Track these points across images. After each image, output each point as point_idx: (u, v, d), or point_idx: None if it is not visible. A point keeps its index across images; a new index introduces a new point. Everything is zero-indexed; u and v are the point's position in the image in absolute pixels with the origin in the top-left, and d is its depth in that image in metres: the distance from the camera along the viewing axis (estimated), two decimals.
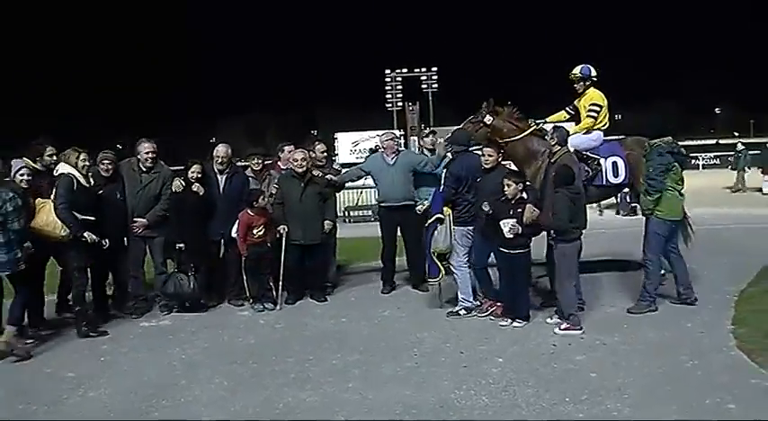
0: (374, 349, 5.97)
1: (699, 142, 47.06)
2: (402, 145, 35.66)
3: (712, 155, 41.43)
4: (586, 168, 7.47)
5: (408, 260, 8.38)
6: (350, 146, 29.76)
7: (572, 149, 7.09)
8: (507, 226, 6.24)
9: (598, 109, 7.72)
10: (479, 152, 6.95)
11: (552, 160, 6.77)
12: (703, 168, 37.90)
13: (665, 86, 66.57)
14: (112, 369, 5.82)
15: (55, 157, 6.99)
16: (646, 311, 6.58)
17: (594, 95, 7.80)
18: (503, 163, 7.06)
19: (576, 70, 7.85)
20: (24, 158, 6.99)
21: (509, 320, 6.48)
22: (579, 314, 6.32)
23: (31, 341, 6.55)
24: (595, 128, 7.76)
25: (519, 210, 6.29)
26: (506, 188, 6.34)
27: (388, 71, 53.07)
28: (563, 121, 7.86)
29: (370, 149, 8.77)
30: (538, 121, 7.97)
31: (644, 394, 4.62)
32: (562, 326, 6.13)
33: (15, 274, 6.23)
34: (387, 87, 52.95)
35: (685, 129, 55.45)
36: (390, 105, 52.07)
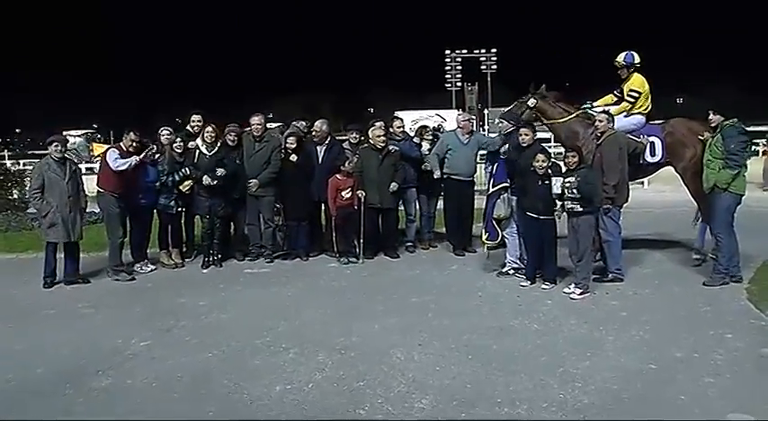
0: (446, 291, 7.20)
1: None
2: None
3: None
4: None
5: (461, 227, 9.29)
6: (410, 124, 30.66)
7: None
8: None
9: (636, 95, 8.07)
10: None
11: (599, 142, 7.24)
12: None
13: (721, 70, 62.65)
14: (234, 300, 7.17)
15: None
16: (719, 284, 6.90)
17: (636, 81, 8.15)
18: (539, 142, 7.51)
19: (620, 58, 8.23)
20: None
21: (528, 283, 7.21)
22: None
23: (180, 260, 8.90)
24: (634, 112, 8.10)
25: (547, 182, 6.88)
26: (538, 163, 6.91)
27: (448, 52, 53.86)
28: (610, 104, 8.25)
29: (434, 128, 9.89)
30: (584, 106, 8.35)
31: (662, 326, 5.78)
32: (578, 292, 6.77)
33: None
34: (447, 67, 53.72)
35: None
36: (450, 85, 52.84)
